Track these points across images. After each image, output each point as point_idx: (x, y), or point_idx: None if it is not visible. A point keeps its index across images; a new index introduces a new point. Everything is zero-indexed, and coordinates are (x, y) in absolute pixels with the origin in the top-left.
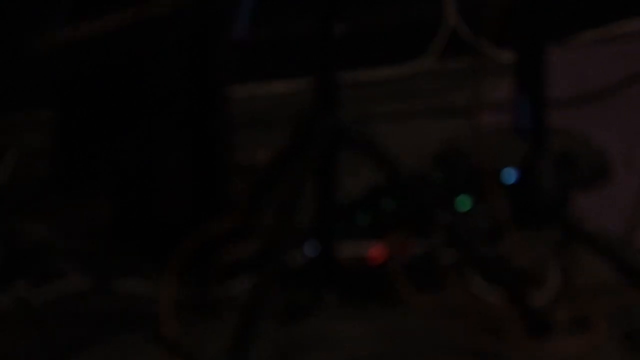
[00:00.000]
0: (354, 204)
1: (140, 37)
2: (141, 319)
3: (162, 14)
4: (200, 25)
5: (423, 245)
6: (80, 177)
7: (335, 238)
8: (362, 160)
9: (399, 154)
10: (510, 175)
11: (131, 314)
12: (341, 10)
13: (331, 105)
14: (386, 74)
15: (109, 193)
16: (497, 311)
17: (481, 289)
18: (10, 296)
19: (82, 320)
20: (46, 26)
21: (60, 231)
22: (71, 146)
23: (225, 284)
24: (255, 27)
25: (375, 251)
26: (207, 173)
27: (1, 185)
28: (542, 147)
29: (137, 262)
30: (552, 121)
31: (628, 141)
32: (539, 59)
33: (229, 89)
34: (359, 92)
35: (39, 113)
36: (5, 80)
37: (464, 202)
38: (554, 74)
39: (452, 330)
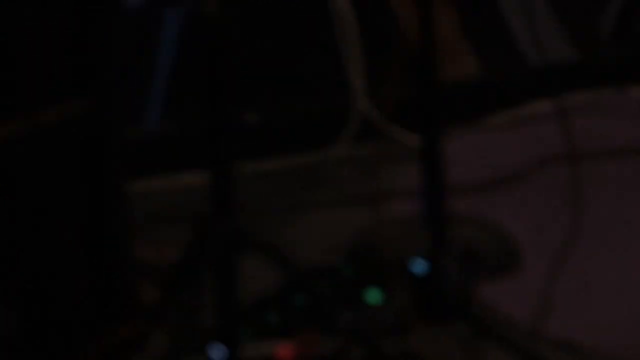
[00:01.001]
0: (263, 302)
1: (30, 146)
2: None
3: (52, 123)
4: (95, 126)
5: (331, 343)
6: None
7: (242, 338)
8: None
9: (310, 244)
10: (419, 266)
11: None
12: (250, 100)
13: (227, 206)
14: (296, 162)
15: (10, 304)
16: None
17: None
18: None
19: None
20: None
21: None
22: None
23: None
24: (162, 119)
25: (283, 350)
26: (107, 277)
27: None
28: (444, 238)
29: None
30: (458, 208)
31: (537, 227)
32: (439, 145)
33: (130, 185)
34: (267, 181)
35: None
36: None
37: (373, 296)
38: (462, 158)
39: None
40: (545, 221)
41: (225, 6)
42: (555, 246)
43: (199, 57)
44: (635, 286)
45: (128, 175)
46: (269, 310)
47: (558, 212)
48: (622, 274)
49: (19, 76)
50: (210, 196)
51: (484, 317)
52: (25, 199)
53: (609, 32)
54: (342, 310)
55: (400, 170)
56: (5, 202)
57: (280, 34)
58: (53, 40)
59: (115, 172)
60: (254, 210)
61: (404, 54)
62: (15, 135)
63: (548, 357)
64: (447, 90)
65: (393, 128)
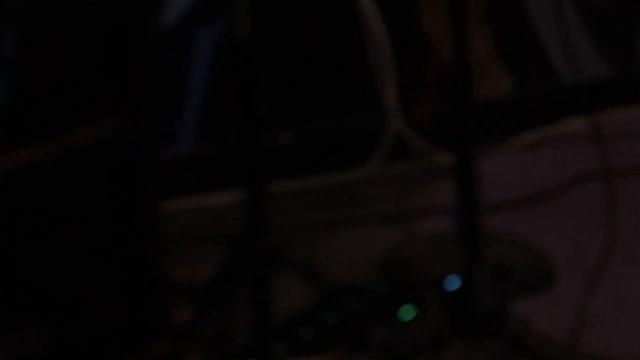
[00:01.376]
0: (296, 319)
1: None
2: None
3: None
4: (128, 146)
5: (363, 359)
6: (15, 304)
7: (275, 355)
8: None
9: (343, 262)
10: (452, 283)
11: None
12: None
13: (260, 224)
14: (330, 181)
15: (43, 319)
16: None
17: None
18: None
19: None
20: None
21: None
22: (5, 271)
23: None
24: (196, 140)
25: None
26: (140, 295)
27: None
28: (478, 255)
29: None
30: (492, 226)
31: (571, 244)
32: (473, 162)
33: (163, 204)
34: (300, 200)
35: None
36: None
37: (407, 313)
38: (494, 176)
39: None
40: (580, 238)
41: (257, 26)
42: (589, 263)
43: (232, 77)
44: None
45: (161, 195)
46: (302, 327)
47: (592, 229)
48: None
49: (53, 97)
50: (243, 215)
51: (518, 334)
52: (59, 219)
53: None
54: (374, 327)
55: (433, 188)
56: (39, 223)
57: (313, 53)
58: (87, 61)
59: (149, 191)
60: (287, 228)
61: (438, 73)
62: (49, 155)
63: None
64: (480, 108)
65: (426, 146)
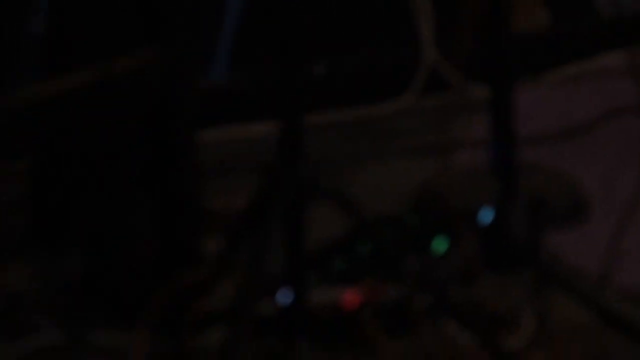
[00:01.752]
0: (329, 249)
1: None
2: None
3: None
4: (165, 76)
5: (397, 290)
6: (54, 230)
7: (309, 285)
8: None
9: (377, 194)
10: (486, 215)
11: None
12: (319, 51)
13: (296, 154)
14: (364, 113)
15: (81, 246)
16: (470, 356)
17: (455, 334)
18: None
19: None
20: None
21: (34, 284)
22: (45, 199)
23: (198, 336)
24: (230, 70)
25: (349, 297)
26: (175, 225)
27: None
28: (513, 187)
29: (110, 315)
30: (527, 159)
31: (605, 178)
32: (509, 96)
33: (198, 135)
34: (335, 132)
35: (15, 163)
36: None
37: (440, 244)
38: (530, 110)
39: None
40: (614, 172)
41: None
42: (624, 197)
43: (269, 7)
44: None
45: (197, 126)
46: (336, 258)
47: (627, 163)
48: None
49: (91, 27)
50: (278, 145)
51: (551, 266)
52: (97, 147)
53: None
54: (407, 258)
55: (468, 121)
56: (77, 151)
57: None
58: None
59: (185, 121)
60: (321, 160)
61: (474, 5)
62: (88, 84)
63: (615, 307)
64: (517, 41)
65: (462, 79)
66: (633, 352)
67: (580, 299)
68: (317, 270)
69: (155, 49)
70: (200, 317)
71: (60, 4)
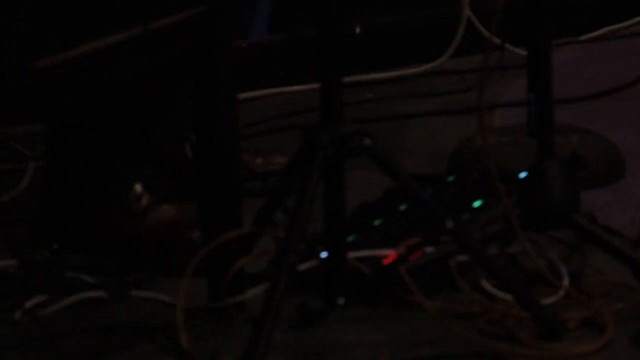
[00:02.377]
0: (368, 207)
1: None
2: (156, 328)
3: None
4: (206, 35)
5: (435, 248)
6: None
7: (348, 243)
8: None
9: (415, 153)
10: (524, 174)
11: (147, 323)
12: (358, 10)
13: (336, 113)
14: (403, 73)
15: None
16: (508, 314)
17: (492, 292)
18: (24, 307)
19: (97, 330)
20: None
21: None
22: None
23: (239, 293)
24: (269, 31)
25: (388, 255)
26: (216, 183)
27: (21, 194)
28: (550, 146)
29: (153, 270)
30: (564, 119)
31: None
32: (546, 56)
33: (239, 95)
34: (375, 91)
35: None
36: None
37: (477, 203)
38: (567, 70)
39: (464, 334)
40: None
41: None
42: None
43: None
44: None
45: (238, 85)
46: (375, 217)
47: None
48: None
49: None
50: (318, 105)
51: (587, 226)
52: (139, 107)
53: None
54: (445, 217)
55: (505, 81)
56: (119, 111)
57: None
58: None
59: (226, 81)
60: (360, 119)
61: None
62: (131, 40)
63: None
64: (555, 1)
65: (499, 38)
66: None
67: (616, 258)
68: (356, 228)
69: (197, 8)
70: (241, 275)
71: None
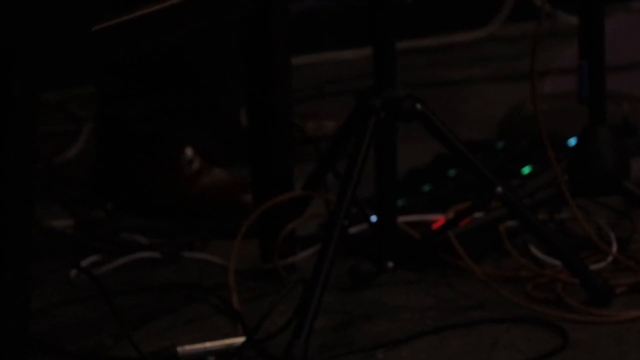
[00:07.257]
0: (418, 172)
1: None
2: (208, 289)
3: None
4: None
5: (484, 214)
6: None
7: (398, 207)
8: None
9: (467, 120)
10: (574, 141)
11: (199, 284)
12: None
13: (389, 78)
14: (454, 40)
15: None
16: (556, 280)
17: (541, 258)
18: (80, 266)
19: (150, 290)
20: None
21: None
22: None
23: (290, 256)
24: None
25: (436, 220)
26: (268, 146)
27: (76, 155)
28: (601, 113)
29: (205, 232)
30: (614, 85)
31: None
32: (599, 23)
33: (293, 59)
34: (426, 58)
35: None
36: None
37: (527, 169)
38: (618, 37)
39: (512, 298)
40: None
41: None
42: None
43: None
44: None
45: (291, 50)
46: (424, 181)
47: None
48: None
49: None
50: (371, 70)
51: (637, 191)
52: (199, 71)
53: None
54: (495, 183)
55: (557, 48)
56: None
57: None
58: None
59: (280, 45)
60: (412, 85)
61: None
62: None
63: None
64: None
65: (550, 6)
66: None
67: None
68: (406, 193)
69: None
70: (292, 237)
71: None
